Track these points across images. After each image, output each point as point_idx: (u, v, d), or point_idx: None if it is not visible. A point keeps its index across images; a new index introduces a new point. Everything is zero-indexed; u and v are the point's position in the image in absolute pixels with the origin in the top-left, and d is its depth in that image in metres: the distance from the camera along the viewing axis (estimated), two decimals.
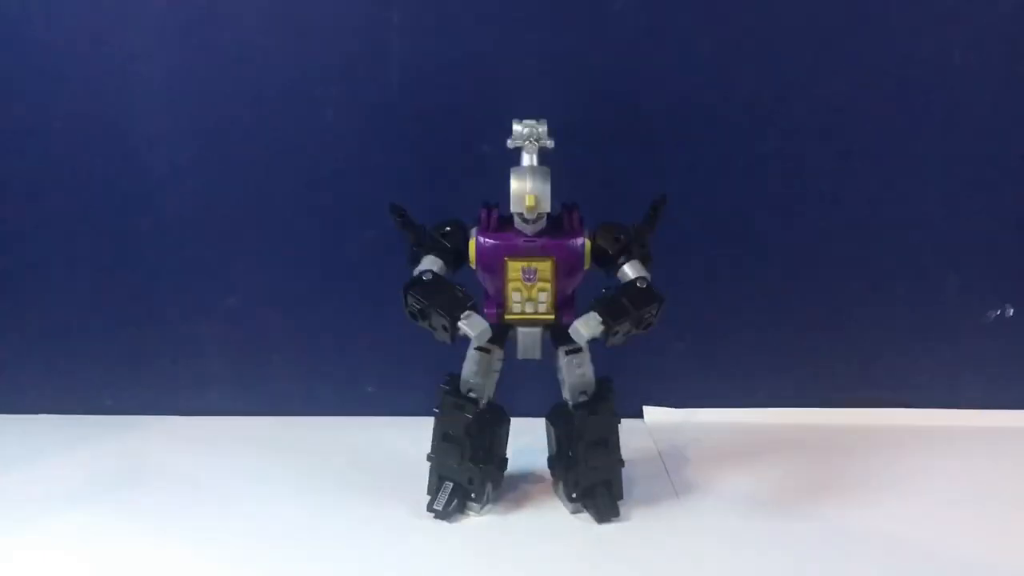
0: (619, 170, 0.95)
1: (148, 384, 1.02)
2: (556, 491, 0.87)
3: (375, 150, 0.96)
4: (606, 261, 0.80)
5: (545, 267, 0.78)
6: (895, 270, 0.99)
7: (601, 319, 0.75)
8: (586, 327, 0.75)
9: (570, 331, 0.77)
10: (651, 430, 1.01)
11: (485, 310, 0.80)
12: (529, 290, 0.79)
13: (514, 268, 0.78)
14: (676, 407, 1.04)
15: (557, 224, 0.80)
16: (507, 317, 0.80)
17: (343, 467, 0.92)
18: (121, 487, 0.87)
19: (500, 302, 0.80)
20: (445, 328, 0.75)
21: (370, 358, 1.01)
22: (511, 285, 0.79)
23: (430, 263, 0.79)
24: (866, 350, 1.02)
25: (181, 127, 0.96)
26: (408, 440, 0.89)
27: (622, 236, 0.79)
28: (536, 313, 0.80)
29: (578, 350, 0.81)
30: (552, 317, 0.80)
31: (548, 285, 0.78)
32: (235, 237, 0.99)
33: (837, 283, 1.00)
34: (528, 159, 0.77)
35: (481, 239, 0.79)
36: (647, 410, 1.04)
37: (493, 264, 0.78)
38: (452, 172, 0.95)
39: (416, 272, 0.78)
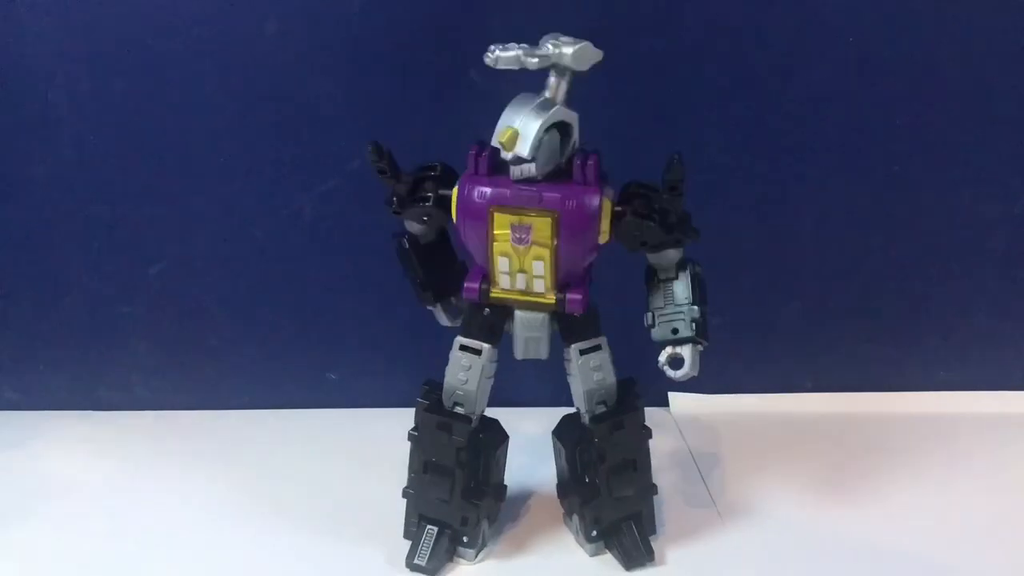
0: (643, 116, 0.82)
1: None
2: (568, 524, 0.72)
3: (340, 80, 0.82)
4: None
5: (543, 226, 0.60)
6: (922, 257, 0.93)
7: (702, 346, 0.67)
8: (693, 366, 0.67)
9: (677, 376, 0.66)
10: (678, 422, 0.90)
11: (466, 284, 0.63)
12: (521, 257, 0.61)
13: (501, 223, 0.60)
14: (704, 393, 0.93)
15: (566, 175, 0.61)
16: (494, 295, 0.62)
17: (313, 470, 0.80)
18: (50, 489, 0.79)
19: (487, 272, 0.62)
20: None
21: (335, 346, 0.91)
22: (497, 247, 0.61)
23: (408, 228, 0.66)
24: (898, 336, 0.95)
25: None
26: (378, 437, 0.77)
27: (653, 228, 0.62)
28: (530, 292, 0.62)
29: (595, 347, 0.65)
30: (551, 301, 0.62)
31: (546, 253, 0.60)
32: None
33: (866, 269, 0.92)
34: (554, 87, 0.59)
35: (465, 184, 0.61)
36: (673, 397, 0.93)
37: (477, 217, 0.60)
38: (433, 106, 0.81)
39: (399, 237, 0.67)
